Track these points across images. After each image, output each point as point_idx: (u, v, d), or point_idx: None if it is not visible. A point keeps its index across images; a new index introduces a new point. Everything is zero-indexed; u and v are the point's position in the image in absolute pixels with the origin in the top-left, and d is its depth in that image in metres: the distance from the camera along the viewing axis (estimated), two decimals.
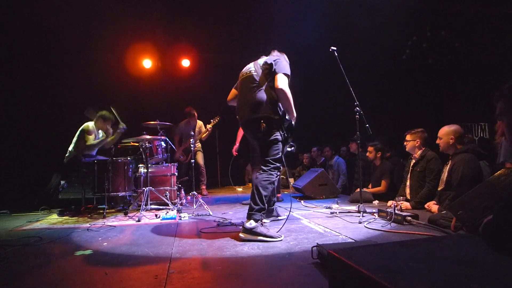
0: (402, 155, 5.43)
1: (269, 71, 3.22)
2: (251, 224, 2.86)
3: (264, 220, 3.50)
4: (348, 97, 4.03)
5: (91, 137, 5.02)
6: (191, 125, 6.74)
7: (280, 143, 3.14)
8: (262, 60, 3.35)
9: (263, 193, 2.97)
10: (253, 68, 3.35)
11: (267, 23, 7.01)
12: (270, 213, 3.69)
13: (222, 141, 9.06)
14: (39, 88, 6.88)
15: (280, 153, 3.14)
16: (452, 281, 1.10)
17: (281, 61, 3.26)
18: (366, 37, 7.29)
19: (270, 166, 3.08)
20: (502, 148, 3.86)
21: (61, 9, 5.97)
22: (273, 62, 3.24)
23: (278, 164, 3.12)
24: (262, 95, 3.16)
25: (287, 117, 3.23)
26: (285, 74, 3.17)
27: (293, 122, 3.30)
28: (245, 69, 3.44)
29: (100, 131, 5.20)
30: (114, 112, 5.12)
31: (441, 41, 6.77)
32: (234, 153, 5.94)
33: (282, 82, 3.12)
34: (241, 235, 2.88)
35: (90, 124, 5.09)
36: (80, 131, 5.02)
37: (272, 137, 3.10)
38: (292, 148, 3.50)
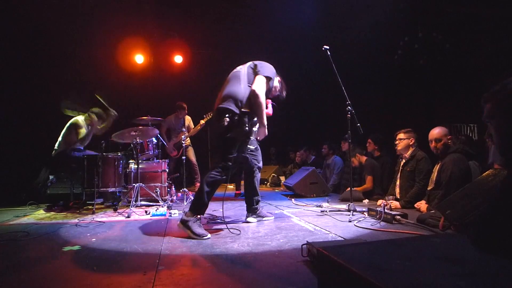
0: (392, 155, 5.47)
1: (253, 71, 3.27)
2: (187, 216, 2.93)
3: (251, 219, 3.52)
4: (340, 96, 4.04)
5: (82, 130, 4.96)
6: (180, 119, 6.68)
7: (236, 142, 3.13)
8: (250, 62, 3.41)
9: (206, 189, 2.99)
10: (240, 67, 3.42)
11: (260, 21, 6.99)
12: (254, 212, 3.63)
13: (213, 138, 9.03)
14: (28, 82, 6.77)
15: (234, 153, 3.12)
16: (439, 278, 1.12)
17: (266, 65, 3.34)
18: (358, 37, 7.31)
19: (221, 164, 3.09)
20: (491, 149, 3.91)
21: (52, 2, 5.87)
22: (258, 64, 3.30)
23: (228, 164, 3.09)
24: (235, 88, 3.20)
25: (254, 119, 3.22)
26: (266, 77, 3.23)
27: (266, 131, 3.30)
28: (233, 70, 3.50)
29: (89, 125, 5.14)
30: (101, 100, 5.04)
31: (433, 42, 6.82)
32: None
33: (258, 84, 3.17)
34: (179, 223, 2.96)
35: (80, 119, 5.02)
36: (70, 125, 4.95)
37: (230, 134, 3.10)
38: (255, 146, 3.48)
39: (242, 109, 3.12)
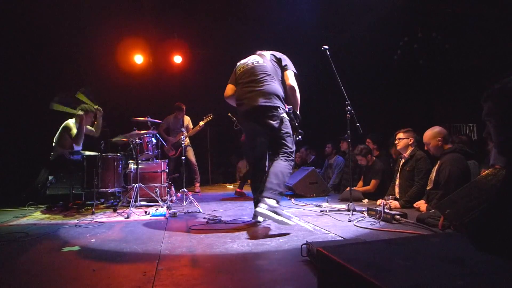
0: (391, 154, 5.47)
1: (279, 65, 3.35)
2: (275, 203, 2.94)
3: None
4: (340, 96, 4.04)
5: (73, 131, 4.88)
6: (179, 119, 6.66)
7: (292, 135, 3.28)
8: (267, 53, 3.42)
9: (285, 179, 3.10)
10: (260, 59, 3.40)
11: (259, 21, 7.00)
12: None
13: (213, 139, 9.05)
14: (28, 82, 6.77)
15: (293, 147, 3.27)
16: (439, 278, 1.12)
17: (288, 59, 3.44)
18: (358, 37, 7.31)
19: (291, 157, 3.21)
20: (492, 150, 3.90)
21: (51, 2, 5.87)
22: (282, 58, 3.35)
23: (293, 157, 3.25)
24: (275, 86, 3.26)
25: (297, 113, 3.42)
26: (294, 72, 3.36)
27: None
28: (247, 61, 3.47)
29: (79, 124, 5.10)
30: (84, 98, 4.96)
31: (432, 42, 6.83)
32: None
33: (293, 79, 3.31)
34: (261, 210, 2.88)
35: (71, 121, 4.98)
36: (62, 128, 4.91)
37: (287, 129, 3.22)
38: (299, 136, 3.53)
39: (282, 107, 3.25)
